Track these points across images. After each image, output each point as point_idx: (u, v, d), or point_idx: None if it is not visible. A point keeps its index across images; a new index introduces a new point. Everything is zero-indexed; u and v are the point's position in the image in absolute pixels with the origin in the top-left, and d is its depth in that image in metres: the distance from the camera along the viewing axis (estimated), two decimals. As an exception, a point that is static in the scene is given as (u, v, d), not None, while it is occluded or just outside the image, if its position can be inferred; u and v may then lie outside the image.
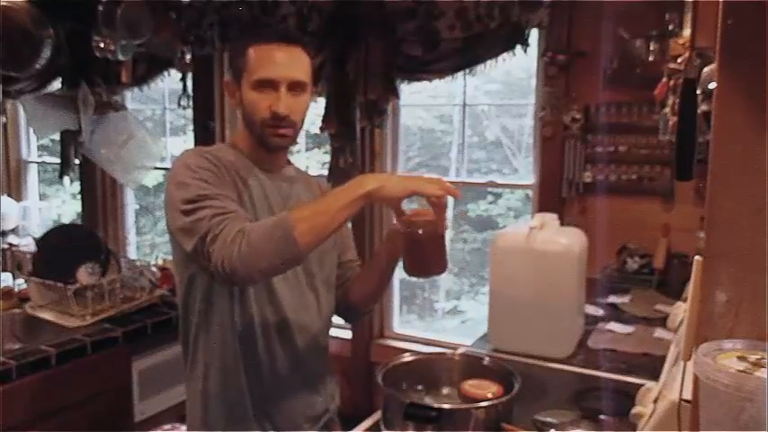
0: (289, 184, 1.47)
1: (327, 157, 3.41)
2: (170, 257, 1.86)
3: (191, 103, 3.66)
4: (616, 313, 2.33)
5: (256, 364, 1.40)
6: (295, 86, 1.36)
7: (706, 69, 1.71)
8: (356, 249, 1.64)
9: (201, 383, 1.42)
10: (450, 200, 1.28)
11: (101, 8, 3.15)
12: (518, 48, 2.88)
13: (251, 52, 1.36)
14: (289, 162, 1.53)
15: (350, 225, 1.65)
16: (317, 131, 3.39)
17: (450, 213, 1.43)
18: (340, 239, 1.56)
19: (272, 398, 1.43)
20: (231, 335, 1.38)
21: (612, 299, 2.47)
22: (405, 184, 1.23)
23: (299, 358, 1.45)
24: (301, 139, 4.43)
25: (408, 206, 1.33)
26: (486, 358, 1.54)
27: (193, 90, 3.65)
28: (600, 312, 2.32)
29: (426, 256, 1.33)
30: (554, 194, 2.94)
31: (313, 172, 3.75)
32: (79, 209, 4.31)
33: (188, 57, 3.49)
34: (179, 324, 1.47)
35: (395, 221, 1.36)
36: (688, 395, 0.91)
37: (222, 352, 1.40)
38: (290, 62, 1.36)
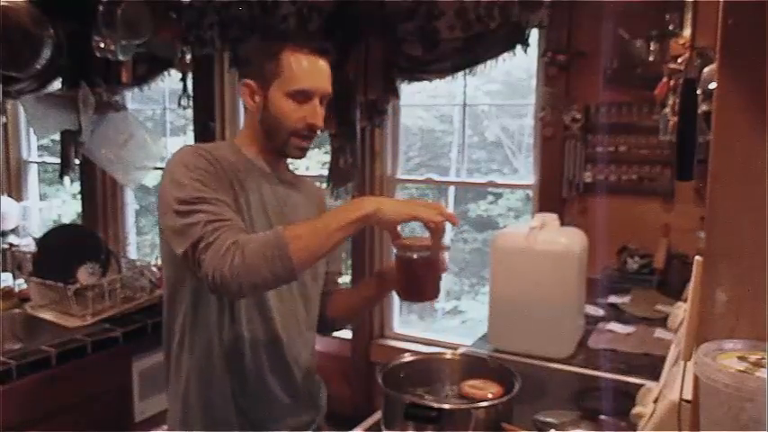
0: (286, 190, 1.45)
1: (327, 157, 3.41)
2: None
3: (191, 103, 3.66)
4: (616, 313, 2.33)
5: (241, 369, 1.39)
6: (324, 99, 1.39)
7: (706, 69, 1.72)
8: (354, 268, 1.64)
9: (183, 387, 1.40)
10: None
11: (101, 8, 3.15)
12: (518, 48, 2.88)
13: (288, 58, 1.35)
14: (287, 167, 1.52)
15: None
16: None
17: (447, 238, 1.42)
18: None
19: (256, 406, 1.41)
20: (218, 339, 1.36)
21: (612, 299, 2.47)
22: (402, 209, 1.23)
23: (286, 368, 1.43)
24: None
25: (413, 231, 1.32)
26: (487, 358, 1.54)
27: (193, 90, 3.65)
28: (600, 312, 2.32)
29: (419, 283, 1.31)
30: (554, 194, 2.94)
31: (313, 172, 3.76)
32: (79, 209, 4.31)
33: (188, 57, 3.49)
34: (163, 323, 1.44)
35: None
36: (688, 395, 0.91)
37: (207, 356, 1.37)
38: (326, 75, 1.39)
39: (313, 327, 1.52)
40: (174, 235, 1.24)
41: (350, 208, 1.23)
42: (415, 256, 1.28)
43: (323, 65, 1.38)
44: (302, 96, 1.35)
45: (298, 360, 1.46)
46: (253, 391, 1.40)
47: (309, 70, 1.35)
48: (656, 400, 1.15)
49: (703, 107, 1.69)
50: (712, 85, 1.07)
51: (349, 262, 3.42)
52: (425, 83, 3.22)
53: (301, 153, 1.40)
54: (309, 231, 1.21)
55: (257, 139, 1.41)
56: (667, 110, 2.18)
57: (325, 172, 3.38)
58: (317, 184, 2.11)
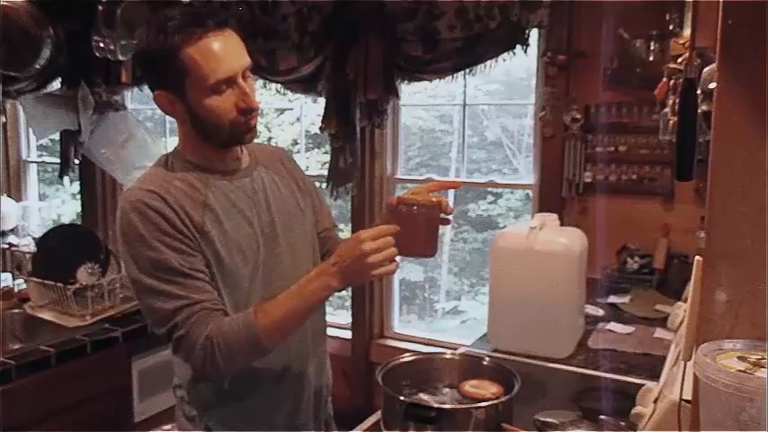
0: (250, 180, 1.35)
1: (327, 157, 3.41)
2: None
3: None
4: (616, 313, 2.33)
5: (266, 393, 1.37)
6: (246, 71, 1.25)
7: (706, 69, 1.71)
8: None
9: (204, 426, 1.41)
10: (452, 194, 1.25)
11: (101, 8, 3.15)
12: (518, 48, 2.88)
13: (190, 54, 1.18)
14: (238, 151, 1.36)
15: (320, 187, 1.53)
16: (317, 131, 3.40)
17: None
18: (316, 211, 1.48)
19: (276, 409, 1.39)
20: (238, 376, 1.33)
21: (612, 299, 2.47)
22: (363, 275, 1.18)
23: (302, 378, 1.41)
24: (301, 139, 4.44)
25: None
26: (486, 358, 1.54)
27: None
28: (600, 312, 2.32)
29: (419, 236, 1.29)
30: (554, 194, 2.94)
31: (313, 172, 3.75)
32: (79, 209, 4.31)
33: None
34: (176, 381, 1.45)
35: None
36: (688, 395, 0.92)
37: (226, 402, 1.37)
38: (237, 48, 1.23)
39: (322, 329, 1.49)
40: (150, 311, 1.23)
41: (319, 287, 1.19)
42: (415, 209, 1.28)
43: (229, 38, 1.21)
44: (224, 85, 1.21)
45: (315, 335, 1.43)
46: (268, 398, 1.37)
47: (218, 54, 1.19)
48: (656, 400, 1.15)
49: (703, 107, 1.69)
50: (712, 85, 1.07)
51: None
52: (425, 83, 3.22)
53: (253, 134, 1.29)
54: (281, 318, 1.19)
55: (198, 144, 1.30)
56: (667, 110, 2.18)
57: (325, 172, 3.38)
58: (319, 183, 2.07)
